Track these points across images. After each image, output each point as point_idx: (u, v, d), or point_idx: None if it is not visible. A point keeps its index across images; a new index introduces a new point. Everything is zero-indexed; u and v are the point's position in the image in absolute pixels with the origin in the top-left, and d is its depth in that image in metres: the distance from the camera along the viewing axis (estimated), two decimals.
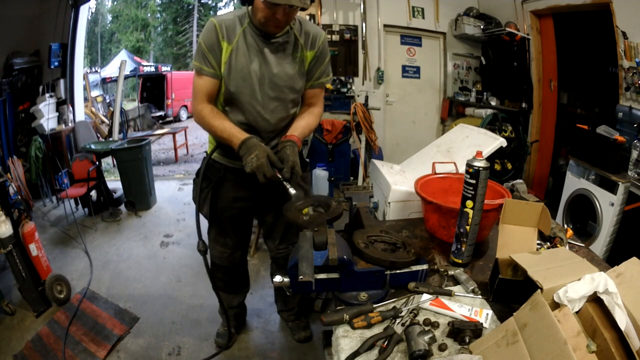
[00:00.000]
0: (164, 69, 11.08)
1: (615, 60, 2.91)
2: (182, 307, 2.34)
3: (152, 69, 10.90)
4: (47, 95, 4.24)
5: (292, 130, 1.40)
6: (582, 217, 2.68)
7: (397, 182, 1.62)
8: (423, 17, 4.52)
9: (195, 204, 1.51)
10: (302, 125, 1.43)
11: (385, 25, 4.46)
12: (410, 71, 4.75)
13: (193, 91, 1.38)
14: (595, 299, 0.75)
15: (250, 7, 1.30)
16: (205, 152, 1.51)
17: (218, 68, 1.34)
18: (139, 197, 3.76)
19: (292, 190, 1.21)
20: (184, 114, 10.75)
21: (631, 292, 0.74)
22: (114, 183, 4.15)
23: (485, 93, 4.38)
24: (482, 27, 4.34)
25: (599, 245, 2.48)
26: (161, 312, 2.29)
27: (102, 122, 6.92)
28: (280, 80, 1.38)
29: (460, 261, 1.13)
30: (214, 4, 18.48)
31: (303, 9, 1.24)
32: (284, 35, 1.34)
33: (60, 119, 4.45)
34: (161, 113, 10.24)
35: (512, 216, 1.07)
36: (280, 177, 1.24)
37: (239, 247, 1.78)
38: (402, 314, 0.90)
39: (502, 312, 0.92)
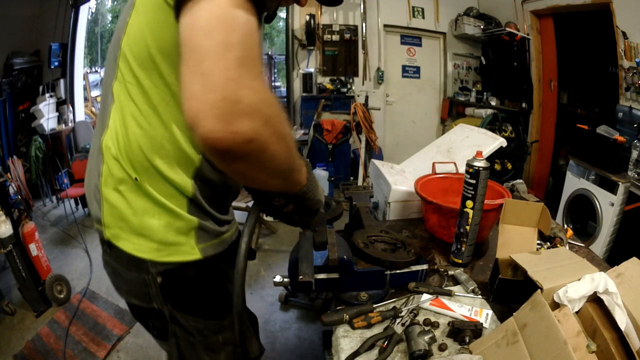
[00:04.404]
0: None
1: (615, 60, 2.91)
2: None
3: None
4: (47, 95, 4.24)
5: None
6: (582, 217, 2.68)
7: (397, 182, 1.61)
8: (423, 17, 4.52)
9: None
10: None
11: (385, 25, 4.47)
12: (410, 71, 4.76)
13: (233, 43, 0.49)
14: (595, 299, 0.75)
15: None
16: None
17: None
18: None
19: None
20: None
21: (631, 292, 0.74)
22: None
23: (485, 93, 4.39)
24: (482, 27, 4.34)
25: (599, 245, 2.48)
26: None
27: None
28: None
29: (460, 261, 1.13)
30: None
31: None
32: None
33: (60, 119, 4.45)
34: None
35: (512, 216, 1.07)
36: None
37: None
38: (402, 314, 0.90)
39: (502, 312, 0.92)
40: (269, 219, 3.31)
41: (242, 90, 0.48)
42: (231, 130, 0.47)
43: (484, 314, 0.89)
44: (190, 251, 0.77)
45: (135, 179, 0.72)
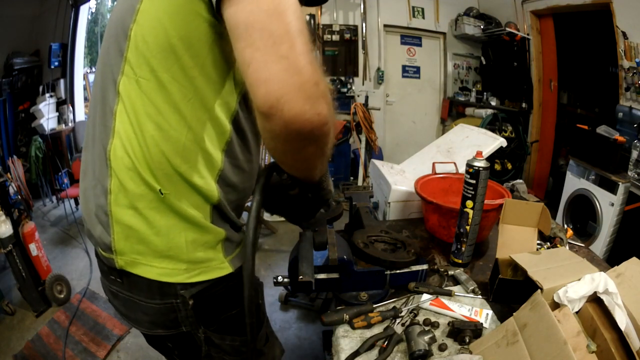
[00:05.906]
0: None
1: (615, 60, 2.91)
2: None
3: None
4: (47, 95, 4.23)
5: None
6: (582, 217, 2.68)
7: (397, 182, 1.61)
8: (423, 17, 4.52)
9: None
10: None
11: (385, 25, 4.47)
12: (410, 71, 4.76)
13: (302, 28, 0.51)
14: (595, 299, 0.75)
15: None
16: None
17: None
18: None
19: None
20: None
21: (631, 292, 0.74)
22: None
23: (485, 93, 4.39)
24: (482, 27, 4.34)
25: (599, 245, 2.48)
26: None
27: None
28: None
29: (460, 261, 1.13)
30: None
31: None
32: None
33: (61, 119, 4.45)
34: None
35: (512, 216, 1.07)
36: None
37: None
38: (402, 314, 0.90)
39: (502, 312, 0.92)
40: (269, 218, 3.30)
41: (317, 73, 0.49)
42: (317, 111, 0.49)
43: (484, 314, 0.89)
44: (220, 266, 0.72)
45: (160, 191, 0.63)
